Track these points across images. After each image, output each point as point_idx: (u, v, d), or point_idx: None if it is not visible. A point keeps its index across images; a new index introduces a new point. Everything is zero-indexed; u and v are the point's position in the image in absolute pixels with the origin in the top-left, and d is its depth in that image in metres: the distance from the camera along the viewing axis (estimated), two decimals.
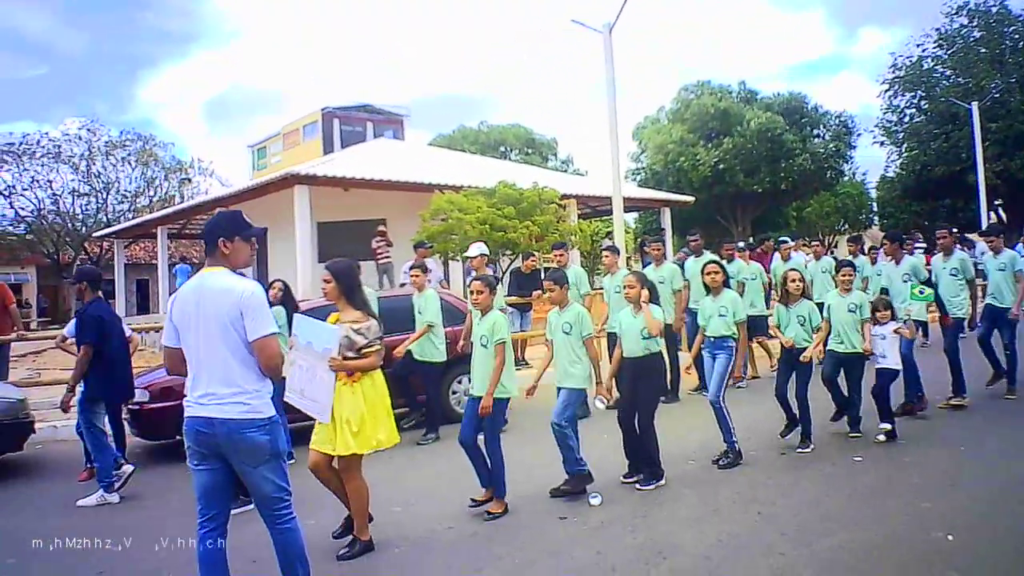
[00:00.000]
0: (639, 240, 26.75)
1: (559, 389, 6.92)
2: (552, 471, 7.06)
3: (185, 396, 4.35)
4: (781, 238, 14.85)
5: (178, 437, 8.47)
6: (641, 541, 5.80)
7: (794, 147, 37.40)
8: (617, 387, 7.44)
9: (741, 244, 13.82)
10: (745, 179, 37.33)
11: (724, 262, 10.17)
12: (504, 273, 16.85)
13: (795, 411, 8.18)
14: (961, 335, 9.75)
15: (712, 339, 7.83)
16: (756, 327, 11.13)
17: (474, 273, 10.27)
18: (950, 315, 9.56)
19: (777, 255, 13.92)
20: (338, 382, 5.55)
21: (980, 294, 10.27)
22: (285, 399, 5.46)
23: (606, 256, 10.97)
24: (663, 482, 7.01)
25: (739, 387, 11.53)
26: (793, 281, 8.26)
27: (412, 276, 9.98)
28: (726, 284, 7.99)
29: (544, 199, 18.21)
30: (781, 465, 7.62)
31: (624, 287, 7.36)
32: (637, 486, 6.98)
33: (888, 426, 8.14)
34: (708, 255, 11.68)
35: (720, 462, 7.57)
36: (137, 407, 9.09)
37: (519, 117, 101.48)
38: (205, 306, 4.25)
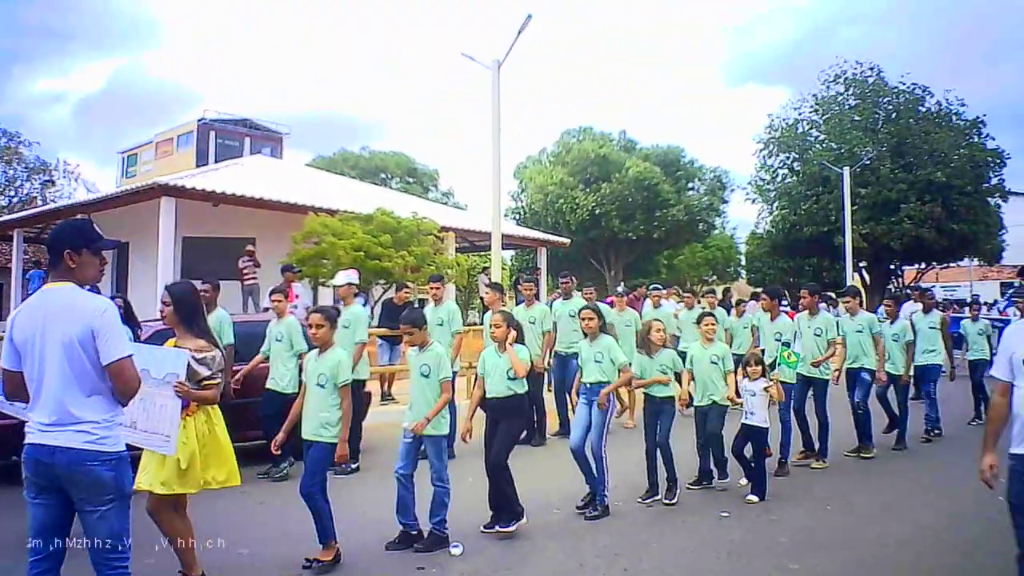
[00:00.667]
0: (514, 278, 26.73)
1: (406, 431, 6.53)
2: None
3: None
4: (653, 285, 14.90)
5: (15, 458, 7.84)
6: None
7: (669, 197, 38.30)
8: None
9: (620, 289, 13.74)
10: (621, 225, 37.94)
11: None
12: (376, 303, 16.43)
13: (656, 473, 7.99)
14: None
15: (588, 385, 7.59)
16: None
17: (342, 303, 9.84)
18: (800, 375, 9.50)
19: (648, 302, 13.92)
20: None
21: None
22: None
23: (487, 294, 10.71)
24: (524, 520, 6.76)
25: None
26: (658, 331, 8.11)
27: (273, 301, 9.45)
28: (603, 330, 7.78)
29: (423, 230, 18.00)
30: (647, 519, 7.41)
31: (491, 326, 7.14)
32: (498, 527, 6.69)
33: (755, 498, 7.92)
34: (578, 297, 11.66)
35: (587, 513, 7.33)
36: None
37: (403, 145, 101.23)
38: (50, 325, 3.82)
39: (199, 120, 40.31)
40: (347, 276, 10.00)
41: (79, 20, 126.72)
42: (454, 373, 9.26)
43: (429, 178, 55.20)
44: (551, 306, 11.67)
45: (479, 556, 6.26)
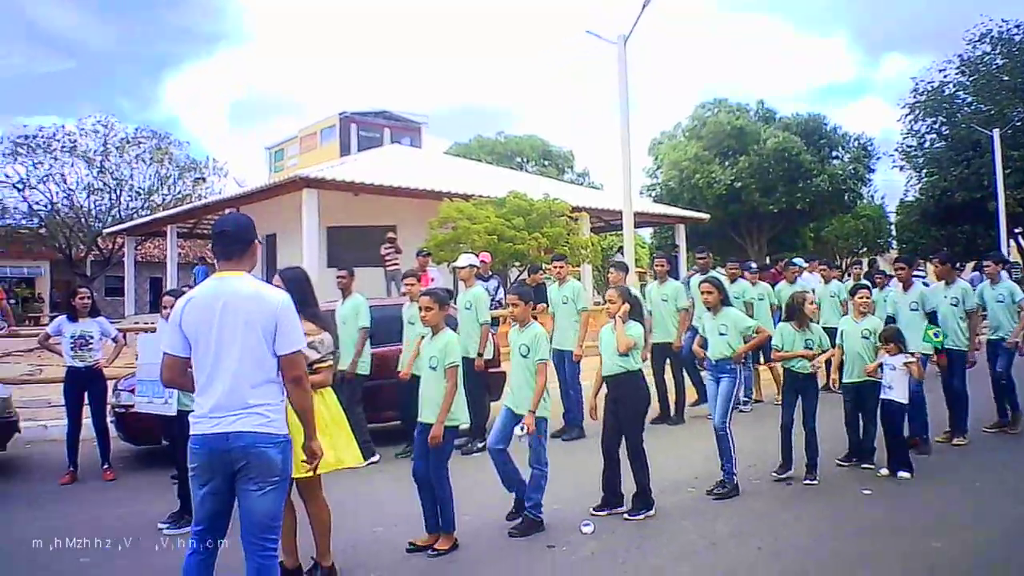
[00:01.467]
0: (652, 256, 26.52)
1: (507, 410, 6.50)
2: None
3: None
4: (793, 260, 14.49)
5: (164, 442, 8.33)
6: (633, 574, 5.49)
7: (812, 168, 36.98)
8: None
9: (754, 266, 13.41)
10: (761, 198, 36.93)
11: (727, 281, 9.93)
12: (510, 285, 16.58)
13: (792, 449, 7.75)
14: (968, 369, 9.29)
15: (714, 362, 7.47)
16: (765, 351, 10.77)
17: (462, 285, 9.98)
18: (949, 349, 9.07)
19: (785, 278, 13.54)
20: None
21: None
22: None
23: (611, 273, 10.66)
24: (652, 512, 6.62)
25: (741, 411, 11.18)
26: (811, 303, 7.90)
27: (407, 285, 9.64)
28: (727, 303, 7.61)
29: (555, 211, 18.00)
30: (785, 497, 7.25)
31: (606, 302, 7.00)
32: (625, 516, 6.59)
33: (906, 474, 7.67)
34: (715, 274, 11.43)
35: (715, 491, 7.19)
36: (123, 410, 8.86)
37: (538, 128, 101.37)
38: (232, 313, 3.92)
39: (340, 114, 41.40)
40: (468, 258, 10.15)
41: (223, 23, 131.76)
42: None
43: (564, 159, 55.06)
44: (688, 283, 11.53)
45: (610, 534, 6.26)
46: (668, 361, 10.83)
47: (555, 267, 10.54)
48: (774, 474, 7.72)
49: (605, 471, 6.79)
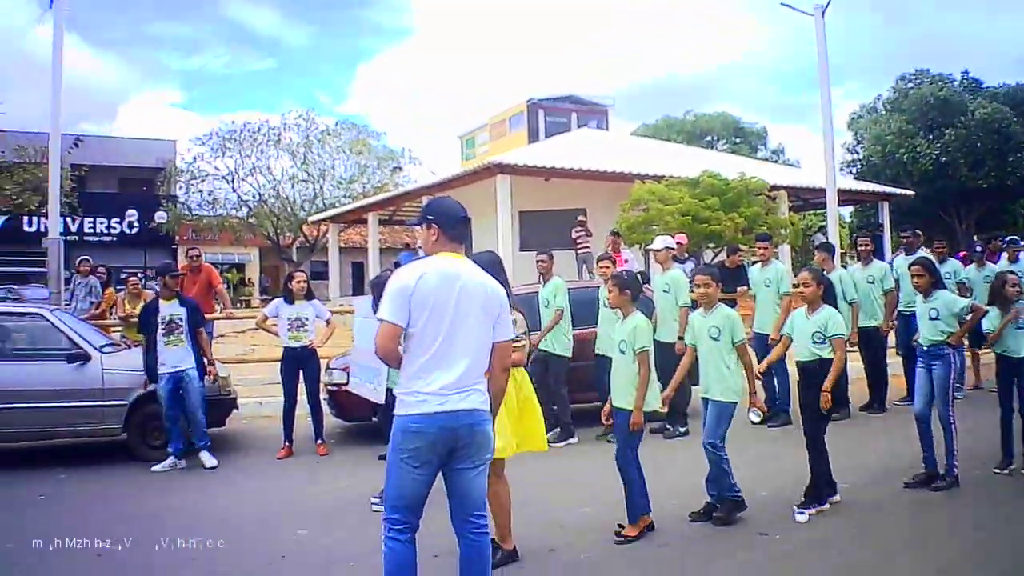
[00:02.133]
0: (853, 236, 25.47)
1: (706, 402, 6.24)
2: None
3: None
4: (1010, 238, 13.55)
5: (374, 419, 8.70)
6: (849, 568, 5.28)
7: (1023, 140, 34.52)
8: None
9: (979, 248, 12.55)
10: (969, 173, 34.69)
11: (935, 261, 9.43)
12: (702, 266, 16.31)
13: (1013, 440, 7.23)
14: None
15: (924, 348, 7.03)
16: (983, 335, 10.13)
17: (659, 268, 9.85)
18: None
19: (1004, 256, 12.71)
20: None
21: None
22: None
23: (817, 255, 10.34)
24: (826, 506, 6.26)
25: (956, 398, 10.67)
26: (1013, 285, 7.22)
27: (601, 268, 9.63)
28: (939, 285, 7.12)
29: (751, 190, 17.55)
30: (1009, 492, 6.76)
31: (799, 285, 6.62)
32: (795, 507, 6.22)
33: None
34: (923, 253, 10.87)
35: (935, 484, 6.72)
36: (335, 388, 9.29)
37: (728, 105, 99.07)
38: (469, 296, 3.98)
39: (528, 100, 41.90)
40: (664, 240, 9.99)
41: (412, 17, 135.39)
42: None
43: (756, 136, 53.74)
44: (892, 264, 11.02)
45: (826, 523, 6.04)
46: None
47: (759, 247, 10.30)
48: (995, 470, 7.18)
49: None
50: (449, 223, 4.17)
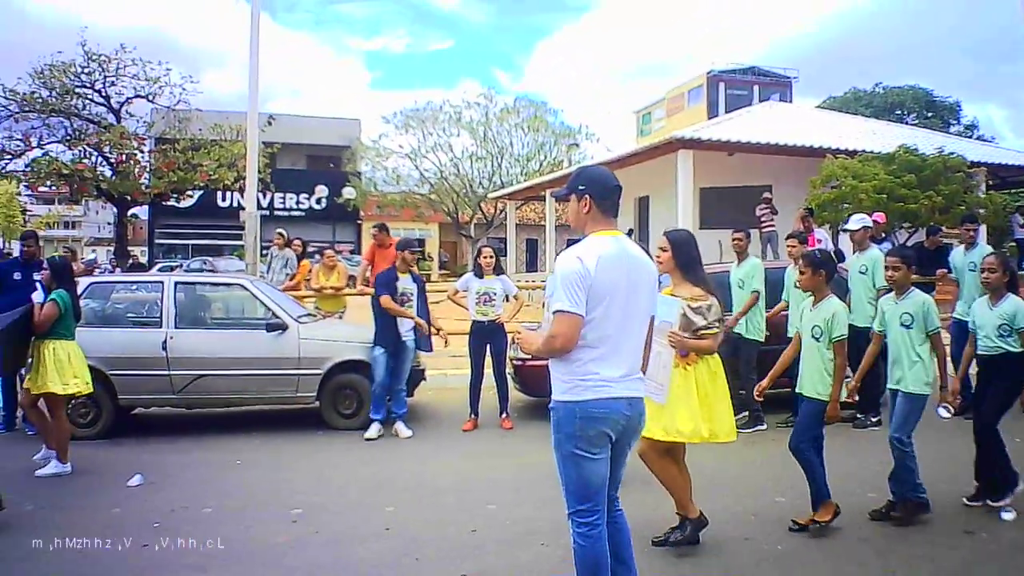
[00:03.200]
0: None
1: (895, 393, 5.84)
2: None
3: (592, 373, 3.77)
4: None
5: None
6: None
7: None
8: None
9: None
10: None
11: None
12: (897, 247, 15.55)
13: None
14: None
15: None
16: None
17: (855, 248, 9.35)
18: None
19: None
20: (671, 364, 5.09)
21: None
22: None
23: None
24: (1021, 487, 5.83)
25: None
26: None
27: (788, 246, 9.27)
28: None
29: (950, 167, 16.60)
30: None
31: (983, 270, 6.08)
32: (988, 501, 5.88)
33: None
34: None
35: None
36: (520, 363, 9.34)
37: (919, 76, 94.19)
38: (636, 277, 3.83)
39: (708, 72, 40.98)
40: (861, 219, 9.50)
41: None
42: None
43: (949, 111, 50.90)
44: None
45: None
46: None
47: (966, 229, 9.70)
48: None
49: (978, 457, 6.07)
50: (603, 193, 3.90)
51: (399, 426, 8.83)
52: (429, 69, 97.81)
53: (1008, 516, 5.75)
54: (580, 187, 3.91)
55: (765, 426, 8.57)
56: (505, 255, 32.31)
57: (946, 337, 6.48)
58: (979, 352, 6.08)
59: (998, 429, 5.94)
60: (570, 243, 4.84)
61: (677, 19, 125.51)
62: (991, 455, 5.94)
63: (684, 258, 5.32)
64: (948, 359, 6.16)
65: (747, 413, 8.53)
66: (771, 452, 7.46)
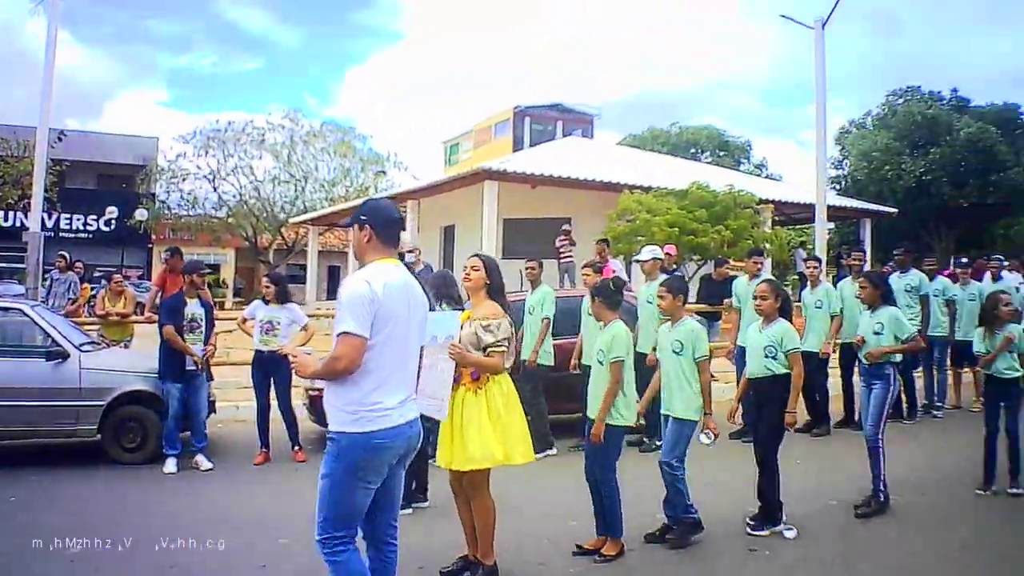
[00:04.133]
0: (835, 252, 25.40)
1: (666, 418, 6.03)
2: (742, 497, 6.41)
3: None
4: (994, 257, 13.58)
5: None
6: None
7: (1007, 160, 34.59)
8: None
9: (965, 260, 12.56)
10: (951, 192, 34.81)
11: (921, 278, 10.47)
12: (691, 279, 16.18)
13: (996, 463, 7.15)
14: None
15: (867, 365, 6.85)
16: (968, 354, 10.06)
17: (645, 279, 9.70)
18: None
19: (987, 275, 12.71)
20: (461, 387, 5.10)
21: None
22: None
23: (809, 266, 10.27)
24: (779, 528, 6.08)
25: (935, 416, 10.92)
26: (1006, 305, 7.21)
27: (583, 275, 9.52)
28: (886, 299, 6.94)
29: (739, 203, 17.46)
30: (994, 509, 6.75)
31: (755, 298, 6.46)
32: (747, 531, 6.09)
33: None
34: (915, 271, 10.86)
35: (861, 510, 6.57)
36: (316, 393, 9.06)
37: (714, 118, 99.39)
38: (414, 305, 3.98)
39: (514, 107, 41.73)
40: (652, 251, 9.88)
41: (404, 22, 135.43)
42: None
43: (740, 150, 53.83)
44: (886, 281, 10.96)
45: (813, 541, 5.97)
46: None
47: (752, 262, 10.32)
48: (978, 491, 7.15)
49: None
50: (383, 224, 4.05)
51: (199, 458, 8.47)
52: (236, 90, 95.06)
53: (790, 534, 6.00)
54: (362, 217, 4.06)
55: (555, 451, 8.65)
56: (304, 282, 31.64)
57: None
58: (750, 376, 6.33)
59: (775, 460, 6.15)
60: (330, 270, 4.77)
61: (489, 52, 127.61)
62: (763, 479, 6.17)
63: (493, 280, 5.36)
64: (735, 385, 6.39)
65: (535, 439, 8.57)
66: (563, 477, 7.48)
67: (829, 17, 15.35)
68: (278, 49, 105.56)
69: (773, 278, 7.10)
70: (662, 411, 6.08)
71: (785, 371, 6.11)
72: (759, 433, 6.28)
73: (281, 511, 6.86)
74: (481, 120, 44.61)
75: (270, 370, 8.76)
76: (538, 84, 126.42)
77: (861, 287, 7.07)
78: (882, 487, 6.63)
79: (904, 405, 10.45)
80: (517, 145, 36.04)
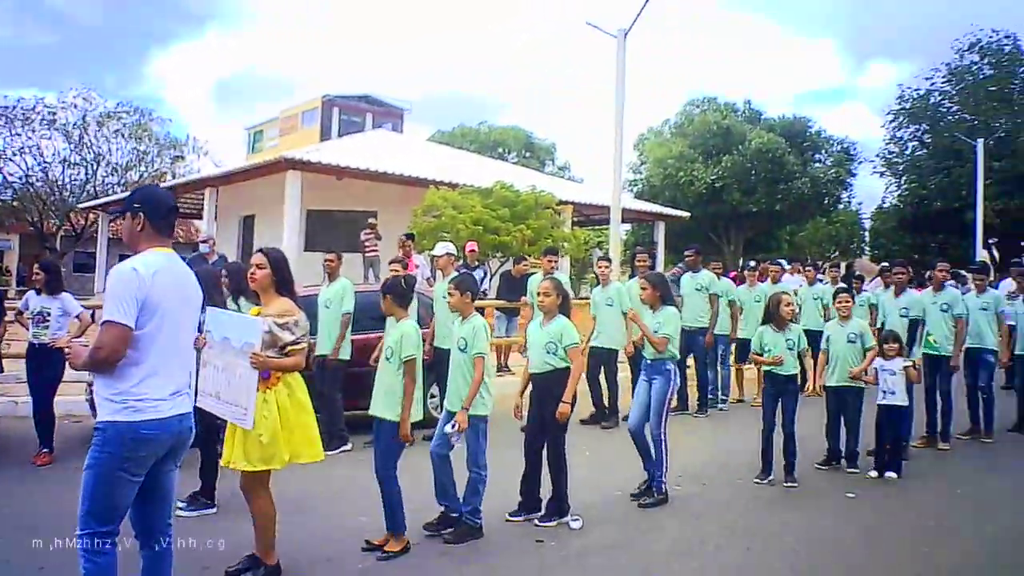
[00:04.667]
0: (630, 252, 26.41)
1: (450, 415, 6.06)
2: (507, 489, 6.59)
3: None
4: (774, 261, 14.54)
5: None
6: (626, 571, 5.41)
7: (794, 170, 37.02)
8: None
9: (752, 264, 13.39)
10: (741, 198, 36.89)
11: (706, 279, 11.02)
12: (493, 276, 16.44)
13: (772, 454, 7.66)
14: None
15: (649, 361, 7.17)
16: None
17: (439, 274, 9.83)
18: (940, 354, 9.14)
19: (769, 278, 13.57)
20: None
21: None
22: (197, 404, 4.70)
23: (600, 266, 10.58)
24: (566, 519, 6.28)
25: (721, 409, 11.57)
26: (787, 305, 7.78)
27: (391, 270, 9.48)
28: (664, 300, 7.22)
29: (540, 203, 17.91)
30: (769, 498, 7.19)
31: (539, 294, 6.54)
32: (536, 522, 6.26)
33: (893, 474, 7.77)
34: (705, 272, 11.44)
35: (643, 501, 6.85)
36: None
37: (522, 119, 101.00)
38: (187, 294, 3.93)
39: (323, 96, 41.05)
40: (445, 246, 10.05)
41: (215, 3, 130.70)
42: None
43: (546, 152, 55.08)
44: (678, 281, 11.52)
45: (599, 530, 6.19)
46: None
47: (547, 260, 10.57)
48: (755, 480, 7.64)
49: (525, 474, 6.46)
50: (157, 213, 3.92)
51: None
52: (29, 66, 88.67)
53: (576, 525, 6.20)
54: (135, 205, 3.91)
55: (351, 446, 8.58)
56: (94, 271, 30.07)
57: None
58: (531, 371, 6.45)
59: (565, 453, 6.35)
60: (121, 258, 4.52)
61: (303, 40, 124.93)
62: (552, 472, 6.34)
63: (280, 275, 5.21)
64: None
65: (329, 435, 8.49)
66: (357, 472, 7.46)
67: (631, 27, 15.89)
68: (77, 24, 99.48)
69: (556, 276, 7.29)
70: (445, 407, 6.16)
71: (566, 366, 6.28)
72: (547, 427, 6.35)
73: (60, 511, 6.50)
74: (287, 108, 43.66)
75: (41, 362, 8.16)
76: (349, 75, 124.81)
77: (642, 288, 7.36)
78: (663, 478, 6.94)
79: (695, 400, 11.18)
80: (325, 135, 35.60)
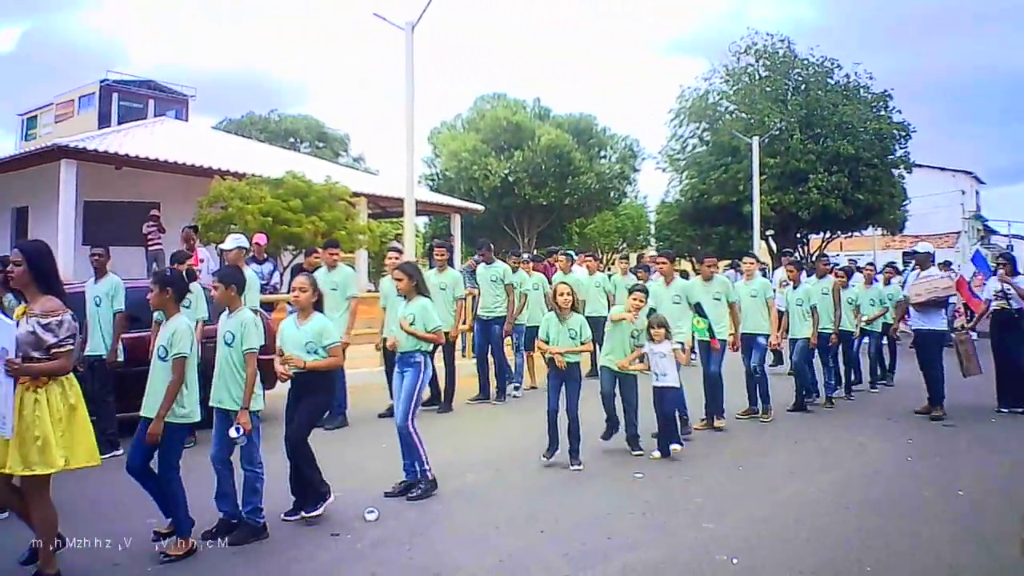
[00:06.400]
0: (428, 244, 26.54)
1: (219, 412, 5.91)
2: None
3: None
4: (564, 251, 15.05)
5: None
6: (420, 560, 5.44)
7: (581, 166, 38.20)
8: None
9: (526, 255, 13.83)
10: (533, 192, 37.74)
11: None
12: (286, 269, 16.12)
13: (558, 433, 7.91)
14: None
15: (403, 353, 7.12)
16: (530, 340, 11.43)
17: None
18: (717, 338, 9.70)
19: (558, 268, 14.02)
20: (19, 386, 4.61)
21: None
22: None
23: (390, 257, 10.51)
24: (332, 500, 6.24)
25: (514, 396, 11.93)
26: (561, 295, 8.02)
27: (177, 267, 9.11)
28: (420, 291, 7.19)
29: (334, 195, 17.68)
30: (559, 481, 7.43)
31: (293, 290, 6.39)
32: (303, 513, 6.18)
33: (678, 446, 8.21)
34: (499, 263, 11.69)
35: (411, 493, 6.82)
36: None
37: (314, 109, 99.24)
38: None
39: (101, 81, 38.92)
40: (236, 239, 9.75)
41: None
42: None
43: (339, 143, 54.45)
44: (472, 273, 11.72)
45: (394, 520, 6.22)
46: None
47: (328, 253, 10.29)
48: (543, 458, 7.91)
49: (292, 472, 6.34)
50: None
51: None
52: None
53: (371, 516, 6.20)
54: None
55: (121, 451, 8.10)
56: None
57: None
58: (291, 371, 6.25)
59: (309, 443, 6.26)
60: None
61: (89, 14, 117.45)
62: (303, 470, 6.23)
63: (40, 271, 4.85)
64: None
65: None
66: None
67: (419, 20, 15.83)
68: None
69: (306, 272, 7.24)
70: (211, 403, 5.93)
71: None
72: (293, 425, 6.24)
73: None
74: (63, 93, 41.22)
75: None
76: (137, 59, 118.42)
77: (397, 280, 7.21)
78: (426, 467, 6.89)
79: (492, 388, 11.55)
80: (103, 122, 33.78)
